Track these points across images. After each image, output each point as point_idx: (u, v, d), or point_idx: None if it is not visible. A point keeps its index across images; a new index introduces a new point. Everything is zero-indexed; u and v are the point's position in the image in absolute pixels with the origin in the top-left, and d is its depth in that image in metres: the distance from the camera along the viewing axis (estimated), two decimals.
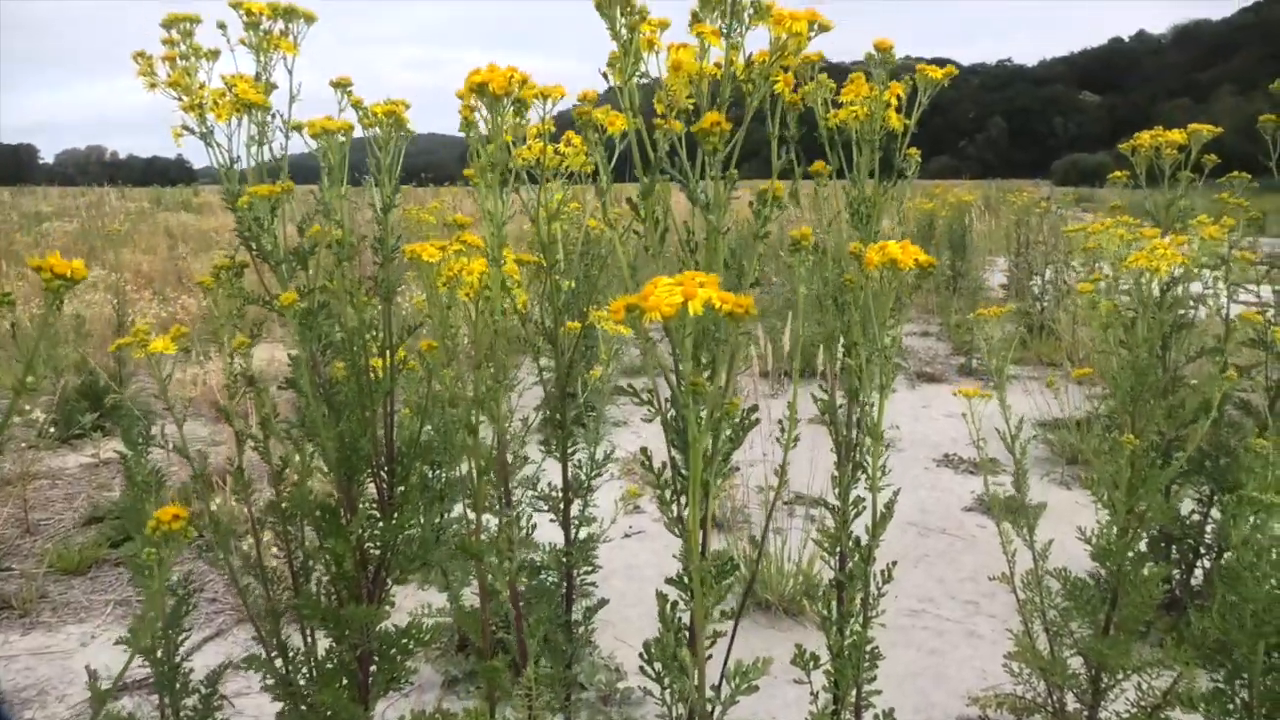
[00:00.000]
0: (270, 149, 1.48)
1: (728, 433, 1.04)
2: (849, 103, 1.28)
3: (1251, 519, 1.46)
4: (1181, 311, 2.00)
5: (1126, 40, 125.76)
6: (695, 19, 1.00)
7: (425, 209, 4.48)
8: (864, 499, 1.35)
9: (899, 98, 1.27)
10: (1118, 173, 2.54)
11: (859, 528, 1.43)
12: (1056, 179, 66.20)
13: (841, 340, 1.32)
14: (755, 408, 1.00)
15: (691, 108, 0.99)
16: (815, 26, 0.92)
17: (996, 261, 11.57)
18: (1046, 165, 78.45)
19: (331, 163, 1.35)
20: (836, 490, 1.37)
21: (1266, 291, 2.46)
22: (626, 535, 3.38)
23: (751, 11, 0.91)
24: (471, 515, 1.42)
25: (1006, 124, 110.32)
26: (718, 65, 0.96)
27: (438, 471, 1.52)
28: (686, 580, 1.09)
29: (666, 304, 0.72)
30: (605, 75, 0.98)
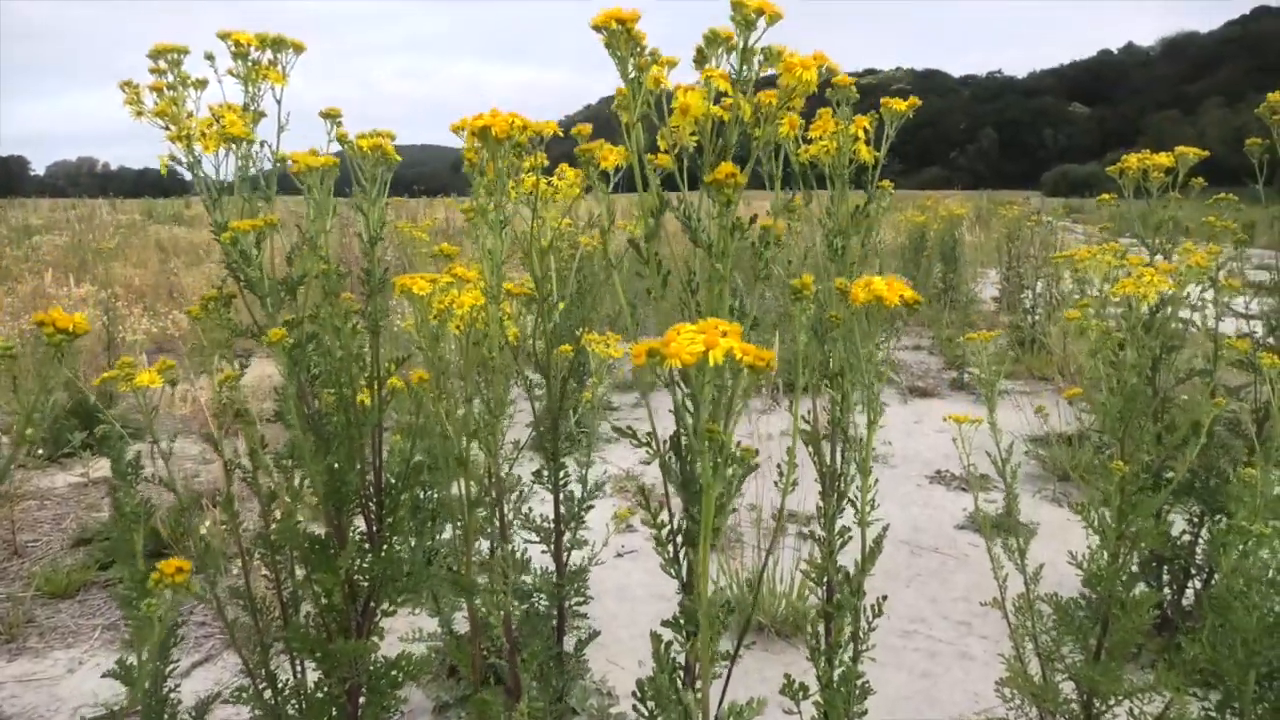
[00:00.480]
0: (260, 179, 1.47)
1: (729, 472, 1.03)
2: (818, 138, 1.29)
3: (1240, 547, 1.47)
4: (1171, 340, 2.00)
5: (1115, 52, 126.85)
6: (701, 56, 1.00)
7: (418, 226, 4.48)
8: (850, 529, 1.35)
9: (866, 130, 1.27)
10: (1105, 195, 2.55)
11: (851, 551, 1.44)
12: (1047, 190, 66.67)
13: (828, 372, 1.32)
14: (755, 451, 1.00)
15: (695, 145, 0.99)
16: (824, 70, 0.93)
17: (988, 274, 11.62)
18: (1037, 176, 78.96)
19: (317, 198, 1.35)
20: (822, 521, 1.37)
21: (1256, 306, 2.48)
22: (619, 555, 3.37)
23: (762, 58, 0.91)
24: (462, 536, 1.42)
25: (997, 135, 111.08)
26: (724, 107, 0.96)
27: (429, 493, 1.51)
28: (685, 622, 1.08)
29: (688, 352, 0.72)
30: (614, 114, 0.97)
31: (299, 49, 1.45)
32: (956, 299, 9.02)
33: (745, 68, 0.91)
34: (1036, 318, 7.27)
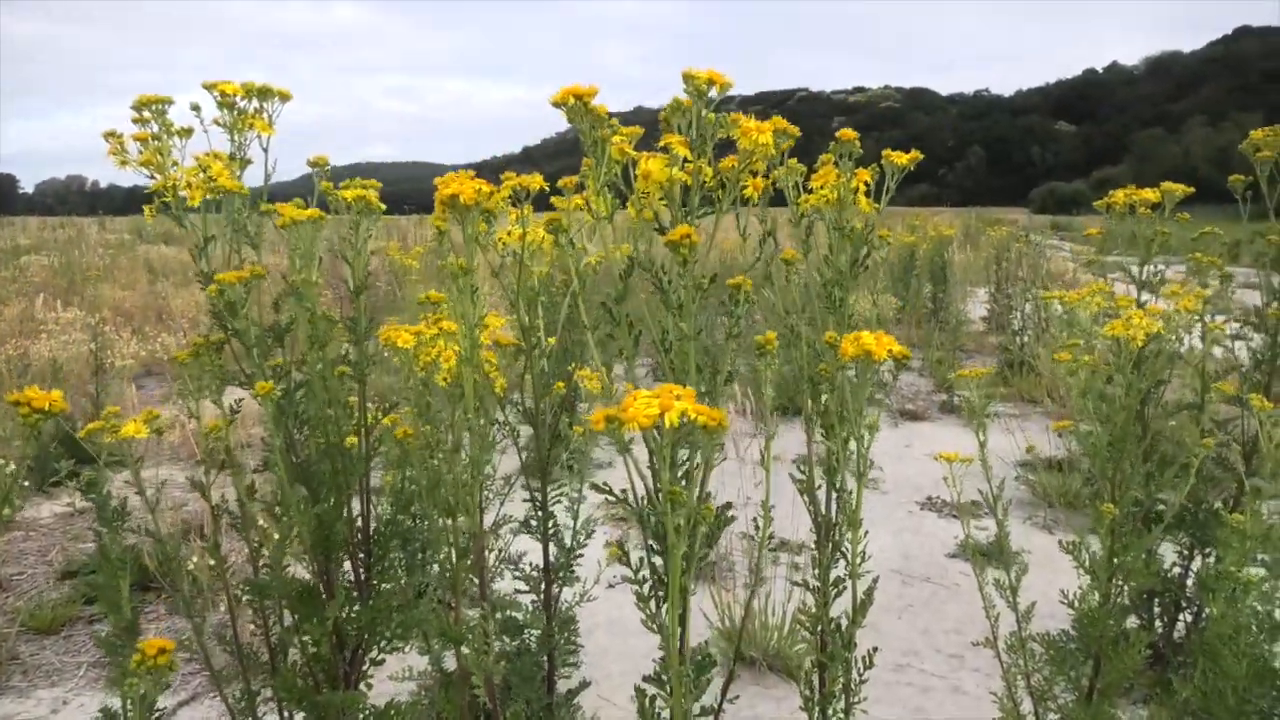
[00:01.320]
0: (246, 227, 1.47)
1: (704, 529, 1.03)
2: (819, 188, 1.29)
3: (1229, 593, 1.46)
4: (1159, 378, 2.01)
5: (1100, 71, 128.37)
6: (665, 124, 1.00)
7: (408, 252, 4.47)
8: (844, 580, 1.34)
9: (867, 184, 1.28)
10: (1092, 229, 2.56)
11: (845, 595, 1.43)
12: (1035, 207, 67.28)
13: (819, 421, 1.31)
14: (729, 505, 0.99)
15: (663, 205, 0.99)
16: (784, 135, 0.93)
17: (977, 292, 11.68)
18: (1025, 193, 79.65)
19: (301, 250, 1.34)
20: (816, 571, 1.36)
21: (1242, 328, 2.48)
22: (611, 586, 3.35)
23: (718, 126, 0.91)
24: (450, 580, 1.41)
25: (985, 152, 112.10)
26: (687, 171, 0.96)
27: (416, 545, 1.50)
28: (666, 678, 1.07)
29: (644, 416, 0.72)
30: (582, 183, 0.98)
31: (285, 97, 1.44)
32: (946, 318, 9.06)
33: (699, 135, 0.92)
34: (1025, 339, 7.30)
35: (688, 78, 0.90)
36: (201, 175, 1.38)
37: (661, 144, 0.95)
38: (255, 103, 1.42)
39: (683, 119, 0.99)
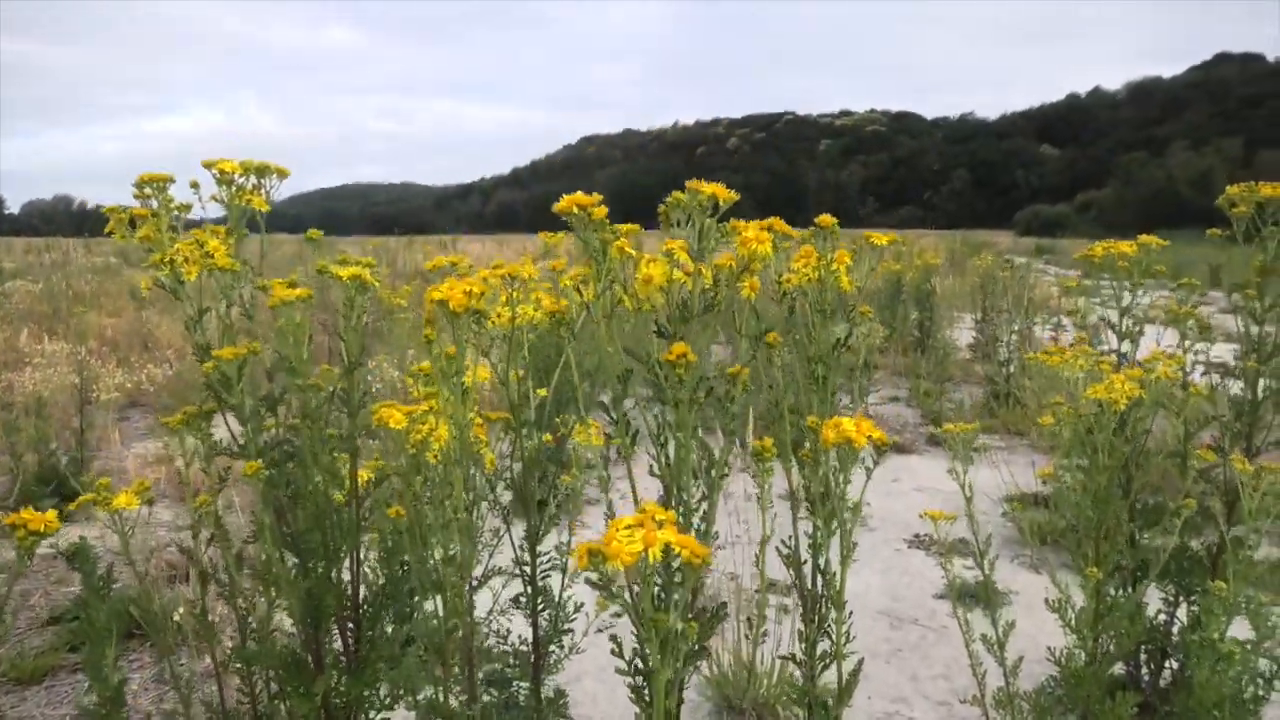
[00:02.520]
0: (242, 297, 1.48)
1: (691, 645, 1.04)
2: (800, 269, 1.32)
3: (1211, 664, 1.49)
4: (1143, 429, 2.04)
5: (1083, 96, 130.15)
6: (664, 218, 1.03)
7: (397, 293, 4.48)
8: (830, 654, 1.36)
9: (847, 266, 1.31)
10: (1071, 280, 2.60)
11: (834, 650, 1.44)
12: (1020, 229, 67.97)
13: (805, 495, 1.33)
14: (724, 605, 1.01)
15: (663, 305, 1.02)
16: (783, 237, 0.96)
17: (963, 318, 11.78)
18: (1010, 215, 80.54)
19: (293, 329, 1.36)
20: (804, 645, 1.37)
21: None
22: (600, 630, 3.34)
23: (718, 235, 0.94)
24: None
25: (970, 175, 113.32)
26: (686, 274, 0.98)
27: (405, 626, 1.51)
28: None
29: (627, 553, 0.73)
30: (579, 290, 1.00)
31: (283, 174, 1.46)
32: (932, 345, 9.13)
33: (702, 246, 0.94)
34: (1011, 370, 7.36)
35: (691, 191, 0.93)
36: (199, 250, 1.40)
37: (664, 249, 0.97)
38: (253, 179, 1.44)
39: (681, 214, 1.01)
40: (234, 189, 1.42)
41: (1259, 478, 1.76)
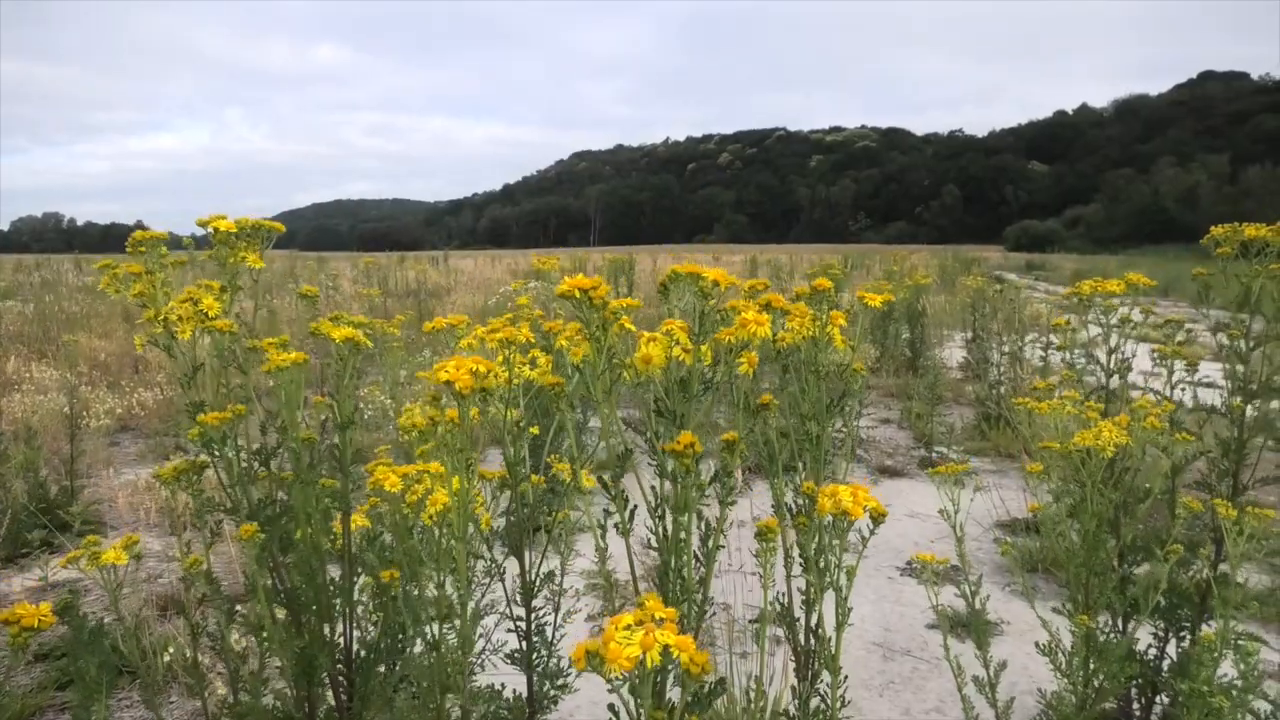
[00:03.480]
0: (235, 354, 1.48)
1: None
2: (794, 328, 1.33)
3: (1202, 714, 1.50)
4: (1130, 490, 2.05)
5: (1070, 113, 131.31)
6: (662, 291, 1.04)
7: (390, 322, 4.48)
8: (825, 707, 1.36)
9: (841, 328, 1.32)
10: (1060, 319, 2.63)
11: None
12: (1010, 245, 68.39)
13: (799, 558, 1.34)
14: (723, 680, 1.01)
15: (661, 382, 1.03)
16: (781, 313, 0.97)
17: (954, 335, 11.83)
18: (999, 231, 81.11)
19: (287, 392, 1.36)
20: (796, 702, 1.38)
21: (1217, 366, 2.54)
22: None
23: (718, 318, 0.95)
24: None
25: (960, 191, 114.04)
26: (685, 351, 1.00)
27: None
28: None
29: (625, 658, 0.74)
30: (579, 369, 1.01)
31: (276, 230, 1.47)
32: (923, 365, 9.17)
33: (703, 330, 0.96)
34: (1002, 391, 7.39)
35: (691, 275, 0.95)
36: (193, 307, 1.41)
37: (664, 329, 0.98)
38: (248, 234, 1.45)
39: (680, 290, 1.02)
40: (228, 248, 1.42)
41: (1242, 522, 1.78)
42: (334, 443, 1.52)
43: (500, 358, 1.30)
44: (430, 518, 1.29)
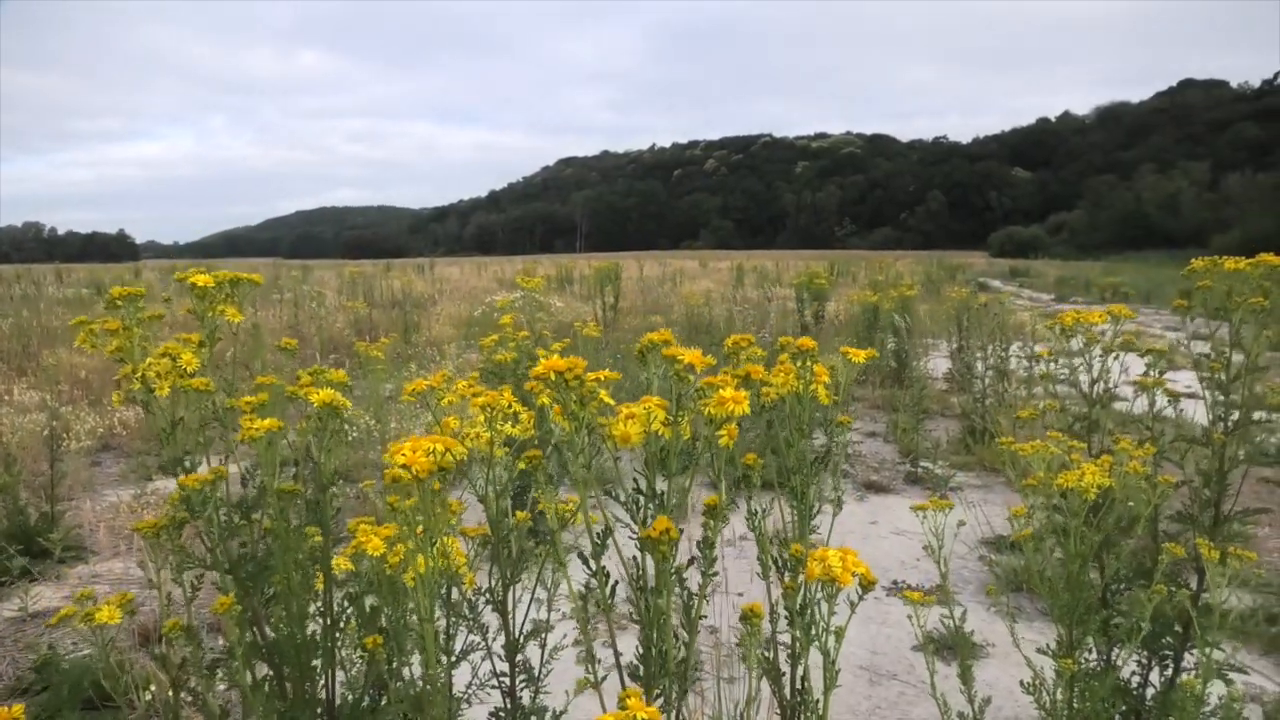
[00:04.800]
0: (217, 409, 1.47)
1: None
2: (778, 382, 1.33)
3: None
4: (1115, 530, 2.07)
5: (1053, 120, 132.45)
6: (640, 357, 1.04)
7: (375, 345, 4.45)
8: None
9: (825, 385, 1.32)
10: (1043, 350, 2.64)
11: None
12: (994, 250, 68.89)
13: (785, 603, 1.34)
14: None
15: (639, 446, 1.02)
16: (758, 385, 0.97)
17: (939, 345, 11.89)
18: (984, 236, 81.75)
19: (268, 462, 1.35)
20: None
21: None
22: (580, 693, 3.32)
23: (696, 396, 0.95)
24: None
25: (945, 197, 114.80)
26: (665, 424, 0.99)
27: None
28: None
29: None
30: (558, 447, 1.01)
31: (255, 283, 1.46)
32: (908, 376, 9.22)
33: (679, 413, 0.96)
34: (987, 403, 7.42)
35: (668, 358, 0.95)
36: (172, 364, 1.39)
37: (641, 406, 0.98)
38: (226, 289, 1.44)
39: (654, 356, 1.02)
40: (208, 302, 1.41)
41: (1225, 563, 1.80)
42: (316, 498, 1.51)
43: (481, 418, 1.29)
44: (414, 579, 1.28)
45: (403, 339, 10.81)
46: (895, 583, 4.41)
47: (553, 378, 0.96)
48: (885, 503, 5.79)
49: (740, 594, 4.21)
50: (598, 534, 1.04)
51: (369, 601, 1.57)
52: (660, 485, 1.03)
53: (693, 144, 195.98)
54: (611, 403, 1.03)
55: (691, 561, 1.03)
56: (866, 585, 1.11)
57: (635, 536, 1.02)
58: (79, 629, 1.66)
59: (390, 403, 6.32)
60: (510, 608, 1.42)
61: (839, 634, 1.24)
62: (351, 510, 4.69)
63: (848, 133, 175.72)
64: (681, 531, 1.06)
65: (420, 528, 1.07)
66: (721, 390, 0.97)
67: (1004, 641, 3.69)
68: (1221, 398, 2.49)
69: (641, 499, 1.01)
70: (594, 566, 1.04)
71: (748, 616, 1.05)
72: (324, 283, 20.86)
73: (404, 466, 0.97)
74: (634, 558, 1.07)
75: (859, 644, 3.68)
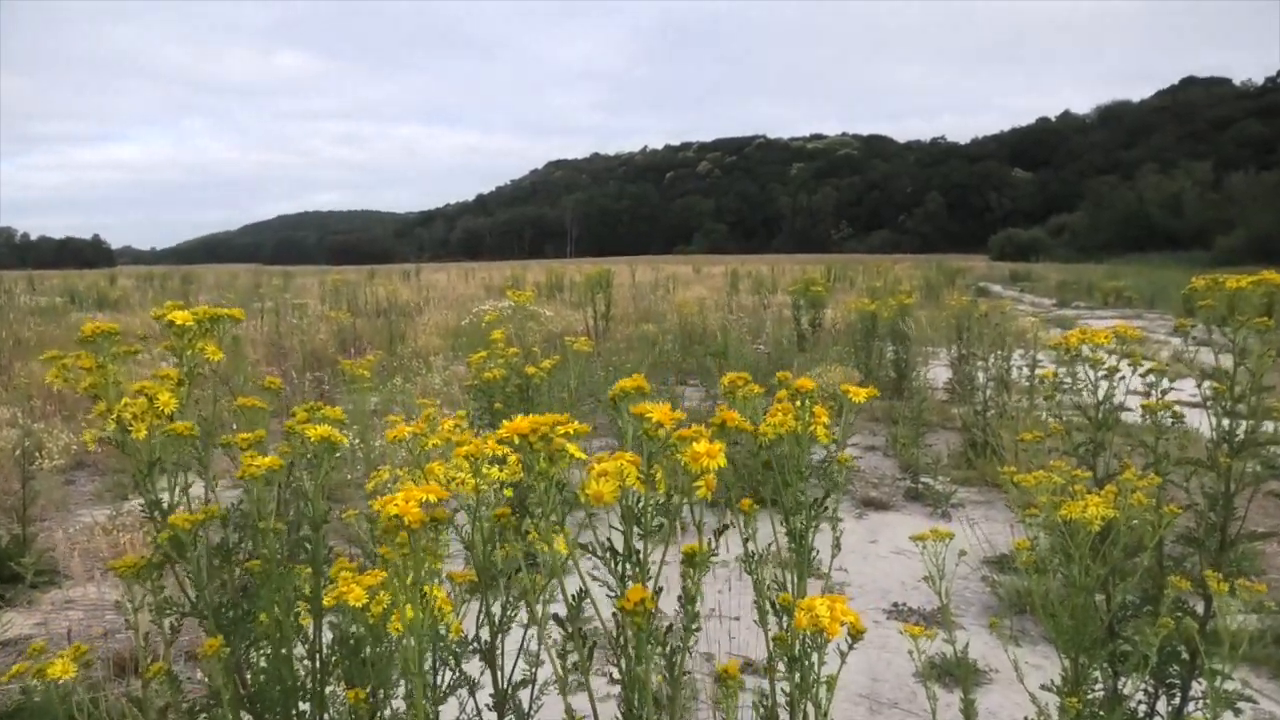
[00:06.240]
0: (196, 449, 1.47)
1: None
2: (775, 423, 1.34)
3: None
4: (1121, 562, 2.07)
5: (1054, 120, 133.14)
6: (613, 405, 1.04)
7: (360, 363, 4.44)
8: None
9: (824, 425, 1.33)
10: (1048, 371, 2.65)
11: None
12: (994, 253, 69.16)
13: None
14: None
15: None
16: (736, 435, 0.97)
17: (939, 354, 11.92)
18: (983, 238, 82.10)
19: (258, 500, 1.35)
20: None
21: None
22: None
23: (666, 450, 0.95)
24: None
25: (943, 198, 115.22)
26: (640, 480, 0.99)
27: None
28: None
29: None
30: (528, 511, 1.01)
31: (236, 319, 1.46)
32: (908, 386, 9.25)
33: (650, 472, 0.96)
34: (989, 415, 7.44)
35: (639, 415, 0.95)
36: (149, 405, 1.39)
37: (615, 463, 0.98)
38: (206, 325, 1.44)
39: (629, 401, 1.03)
40: (187, 339, 1.41)
41: (1233, 594, 1.80)
42: (305, 536, 1.51)
43: (466, 467, 1.29)
44: (396, 629, 1.28)
45: (388, 350, 10.78)
46: (896, 605, 4.41)
47: (516, 441, 0.96)
48: (885, 520, 5.79)
49: (736, 617, 4.20)
50: (573, 596, 1.04)
51: (355, 631, 1.56)
52: (638, 542, 1.03)
53: (685, 145, 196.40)
54: (583, 456, 1.03)
55: (669, 629, 1.02)
56: (855, 635, 1.11)
57: (612, 596, 1.02)
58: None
59: (375, 418, 6.31)
60: (499, 657, 1.42)
61: (830, 684, 1.24)
62: (334, 532, 4.67)
63: (844, 133, 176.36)
64: (668, 563, 1.06)
65: (409, 578, 1.07)
66: (695, 444, 0.97)
67: (1008, 666, 3.69)
68: (1227, 421, 2.50)
69: (618, 558, 1.01)
70: (569, 629, 1.03)
71: (723, 678, 1.04)
72: (306, 290, 20.81)
73: (396, 517, 0.97)
74: (614, 614, 1.07)
75: (858, 670, 3.68)
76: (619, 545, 1.09)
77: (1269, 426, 2.41)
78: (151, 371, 1.47)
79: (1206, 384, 2.57)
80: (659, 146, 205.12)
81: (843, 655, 1.17)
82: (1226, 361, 2.51)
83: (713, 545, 1.14)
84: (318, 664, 1.48)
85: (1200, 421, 2.78)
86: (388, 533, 0.98)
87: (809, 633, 1.11)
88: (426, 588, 1.29)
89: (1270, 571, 4.71)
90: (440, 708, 1.46)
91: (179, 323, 1.38)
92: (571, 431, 1.00)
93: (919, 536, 2.27)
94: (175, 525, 1.33)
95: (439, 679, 1.40)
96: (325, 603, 1.57)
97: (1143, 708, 2.70)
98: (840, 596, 1.18)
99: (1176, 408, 2.63)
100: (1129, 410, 2.72)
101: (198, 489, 1.57)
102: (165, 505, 1.41)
